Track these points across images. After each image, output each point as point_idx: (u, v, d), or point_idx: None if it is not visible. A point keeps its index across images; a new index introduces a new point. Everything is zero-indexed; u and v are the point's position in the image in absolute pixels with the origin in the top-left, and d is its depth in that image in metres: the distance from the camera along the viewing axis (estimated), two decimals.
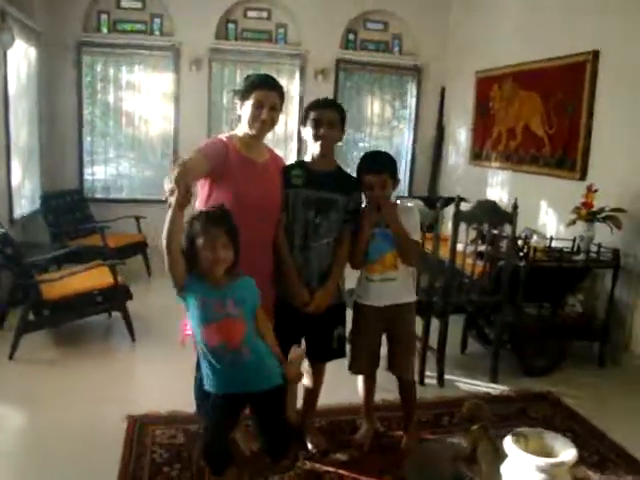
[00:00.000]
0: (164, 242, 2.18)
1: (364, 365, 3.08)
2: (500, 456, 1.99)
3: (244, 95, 2.69)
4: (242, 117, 2.72)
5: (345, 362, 3.05)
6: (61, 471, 2.81)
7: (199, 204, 2.65)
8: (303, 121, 2.86)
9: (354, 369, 3.11)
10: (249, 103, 2.66)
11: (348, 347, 3.06)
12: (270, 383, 2.32)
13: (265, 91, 2.67)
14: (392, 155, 3.02)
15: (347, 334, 3.04)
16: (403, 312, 3.00)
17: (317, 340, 2.92)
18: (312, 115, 2.80)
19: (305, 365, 3.01)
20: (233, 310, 2.20)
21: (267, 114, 2.66)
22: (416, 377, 3.42)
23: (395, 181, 2.90)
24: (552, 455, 1.89)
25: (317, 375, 3.03)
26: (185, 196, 2.09)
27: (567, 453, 1.88)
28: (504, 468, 1.93)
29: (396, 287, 2.94)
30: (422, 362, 3.93)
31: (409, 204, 3.07)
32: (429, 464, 2.32)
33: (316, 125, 2.77)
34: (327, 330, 2.92)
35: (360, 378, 3.16)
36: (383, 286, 2.93)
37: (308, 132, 2.81)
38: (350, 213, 2.86)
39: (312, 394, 3.10)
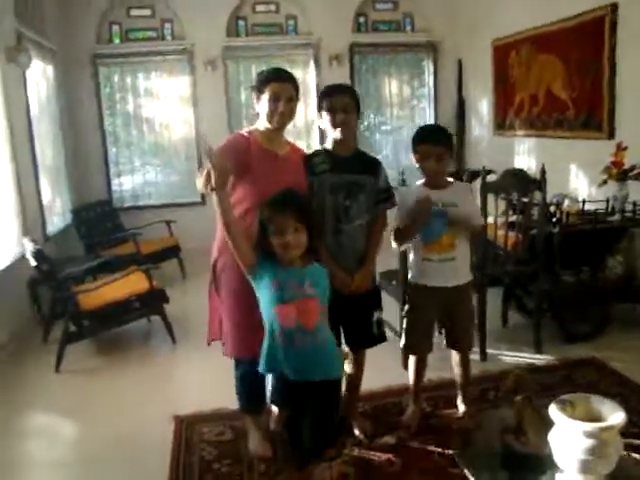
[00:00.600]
0: (223, 228, 2.23)
1: (422, 346, 3.06)
2: (547, 425, 1.95)
3: (259, 90, 2.70)
4: (260, 112, 2.73)
5: (383, 345, 3.02)
6: (113, 476, 2.86)
7: None
8: (318, 109, 2.86)
9: (411, 350, 3.11)
10: (265, 97, 2.67)
11: (388, 330, 3.05)
12: (336, 372, 2.32)
13: (279, 83, 2.67)
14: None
15: (383, 316, 3.01)
16: (462, 291, 2.98)
17: (356, 327, 2.89)
18: (326, 103, 2.80)
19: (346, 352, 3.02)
20: (310, 290, 2.19)
21: (285, 106, 2.66)
22: None
23: (451, 153, 2.91)
24: (600, 420, 1.84)
25: (358, 362, 3.01)
26: (222, 175, 2.11)
27: (615, 416, 1.83)
28: (551, 436, 1.89)
29: (455, 267, 2.92)
30: None
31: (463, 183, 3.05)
32: (477, 439, 2.30)
33: (332, 112, 2.77)
34: (365, 316, 2.89)
35: (412, 360, 3.13)
36: (442, 266, 2.89)
37: (325, 120, 2.81)
38: (382, 193, 2.87)
39: (354, 381, 3.08)
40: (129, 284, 4.43)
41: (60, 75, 6.61)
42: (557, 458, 1.88)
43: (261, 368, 2.29)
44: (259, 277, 2.24)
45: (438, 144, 2.83)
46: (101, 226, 6.29)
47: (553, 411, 1.86)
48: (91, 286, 4.48)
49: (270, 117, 2.67)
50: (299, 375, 2.21)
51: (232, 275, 2.68)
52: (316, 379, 2.23)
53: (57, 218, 6.19)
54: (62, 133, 6.57)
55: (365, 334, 2.90)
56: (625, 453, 1.93)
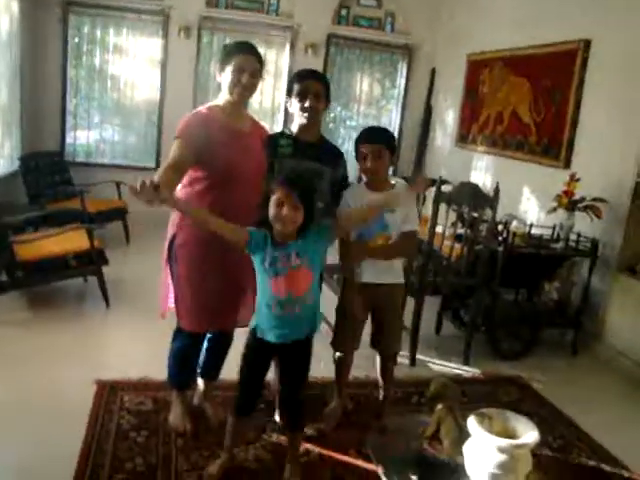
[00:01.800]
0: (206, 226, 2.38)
1: (347, 343, 3.07)
2: (463, 435, 2.00)
3: (224, 62, 2.67)
4: (222, 84, 2.70)
5: (317, 337, 3.03)
6: (27, 434, 2.78)
7: (187, 179, 2.62)
8: (288, 93, 2.86)
9: (338, 346, 3.11)
10: (229, 69, 2.63)
11: (324, 323, 3.06)
12: (314, 329, 2.47)
13: (245, 55, 2.65)
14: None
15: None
16: (390, 292, 2.99)
17: None
18: (297, 87, 2.80)
19: None
20: (296, 261, 2.29)
21: (248, 79, 2.63)
22: None
23: (392, 154, 2.90)
24: (515, 437, 1.90)
25: None
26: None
27: (529, 435, 1.88)
28: (466, 447, 1.94)
29: (382, 267, 2.92)
30: None
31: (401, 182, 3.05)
32: (392, 441, 2.34)
33: (302, 97, 2.79)
34: None
35: (338, 355, 3.15)
36: (369, 264, 2.90)
37: (294, 104, 2.81)
38: (339, 184, 2.89)
39: None
40: (69, 240, 4.32)
41: (26, 14, 6.30)
42: (469, 469, 1.93)
43: (251, 327, 2.45)
44: (253, 252, 2.34)
45: (376, 142, 2.84)
46: (49, 178, 6.10)
47: (471, 423, 1.90)
48: (30, 237, 4.36)
49: (232, 89, 2.65)
50: (283, 338, 2.38)
51: (191, 251, 2.68)
52: (296, 339, 2.40)
53: (4, 162, 5.96)
54: (21, 75, 6.31)
55: None
56: (531, 470, 1.98)
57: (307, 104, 2.77)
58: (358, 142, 2.89)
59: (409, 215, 2.91)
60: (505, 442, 1.82)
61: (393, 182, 2.97)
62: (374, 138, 2.87)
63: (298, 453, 2.68)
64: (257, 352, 2.47)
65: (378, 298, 2.97)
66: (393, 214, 2.84)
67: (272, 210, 2.25)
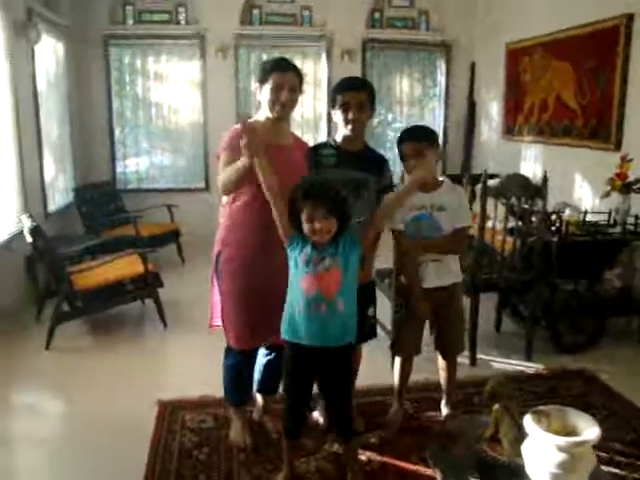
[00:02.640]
0: (269, 195, 2.43)
1: (409, 348, 3.06)
2: (522, 435, 1.94)
3: (262, 80, 2.69)
4: (262, 102, 2.72)
5: (373, 343, 3.03)
6: (94, 456, 2.86)
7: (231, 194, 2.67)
8: (332, 103, 2.83)
9: (400, 351, 3.10)
10: (268, 87, 2.65)
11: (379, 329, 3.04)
12: (348, 338, 2.44)
13: (283, 73, 2.66)
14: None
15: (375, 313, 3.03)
16: (450, 293, 2.97)
17: None
18: (340, 99, 2.75)
19: None
20: (329, 262, 2.31)
21: (287, 95, 2.65)
22: None
23: (437, 151, 2.86)
24: (575, 433, 1.82)
25: (354, 357, 2.99)
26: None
27: (590, 432, 1.81)
28: (525, 447, 1.88)
29: (443, 266, 2.90)
30: None
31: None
32: (452, 445, 2.29)
33: (345, 109, 2.74)
34: (359, 310, 2.87)
35: (398, 360, 3.13)
36: (427, 267, 2.88)
37: (338, 115, 2.78)
38: (383, 192, 2.83)
39: None
40: (124, 266, 4.43)
41: (71, 53, 6.60)
42: (529, 470, 1.86)
43: (282, 334, 2.45)
44: (292, 247, 2.38)
45: (420, 140, 2.80)
46: (103, 207, 6.28)
47: (528, 422, 1.84)
48: (85, 266, 4.48)
49: (272, 106, 2.66)
50: (314, 340, 2.37)
51: (235, 268, 2.71)
52: (330, 345, 2.38)
53: (59, 196, 6.19)
54: (69, 111, 6.56)
55: (360, 329, 2.88)
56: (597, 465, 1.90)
57: (350, 116, 2.72)
58: (400, 142, 2.86)
59: (459, 212, 2.87)
60: (563, 440, 1.75)
61: (441, 179, 2.93)
62: (416, 136, 2.84)
63: (358, 463, 2.66)
64: (295, 360, 2.47)
65: (440, 300, 2.95)
66: (444, 212, 2.83)
67: (305, 226, 2.28)
